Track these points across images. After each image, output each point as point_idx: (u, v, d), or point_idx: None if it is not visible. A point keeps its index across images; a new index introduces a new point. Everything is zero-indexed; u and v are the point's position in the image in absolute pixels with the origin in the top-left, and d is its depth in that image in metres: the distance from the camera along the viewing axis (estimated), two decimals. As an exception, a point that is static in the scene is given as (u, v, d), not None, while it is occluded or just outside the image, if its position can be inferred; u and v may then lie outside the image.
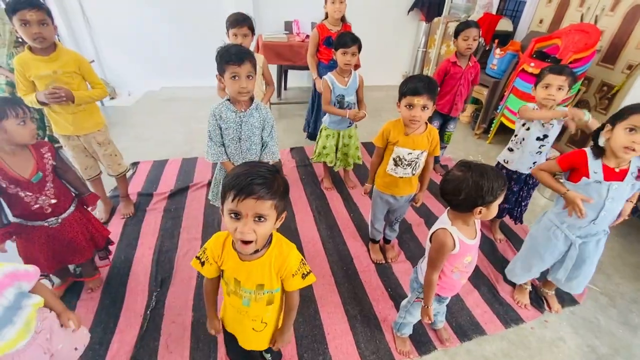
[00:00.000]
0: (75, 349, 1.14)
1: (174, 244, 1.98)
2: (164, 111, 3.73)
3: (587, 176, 1.28)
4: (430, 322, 1.24)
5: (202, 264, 0.96)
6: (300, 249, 1.99)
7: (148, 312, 1.59)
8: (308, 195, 2.46)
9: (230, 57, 1.30)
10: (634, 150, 1.14)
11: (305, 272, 0.95)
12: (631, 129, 1.14)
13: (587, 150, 1.31)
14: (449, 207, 1.12)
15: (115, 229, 2.03)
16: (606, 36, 2.77)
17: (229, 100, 1.45)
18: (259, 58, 2.08)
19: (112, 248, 1.84)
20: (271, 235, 0.91)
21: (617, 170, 1.24)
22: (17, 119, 1.18)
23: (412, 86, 1.37)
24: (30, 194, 1.27)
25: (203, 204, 2.30)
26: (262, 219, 0.78)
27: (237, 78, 1.33)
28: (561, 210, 1.42)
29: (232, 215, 0.77)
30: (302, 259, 0.96)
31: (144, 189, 2.42)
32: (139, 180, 2.52)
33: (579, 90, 2.85)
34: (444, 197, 1.09)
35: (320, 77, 2.37)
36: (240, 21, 1.94)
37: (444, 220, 1.11)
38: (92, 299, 1.64)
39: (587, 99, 2.97)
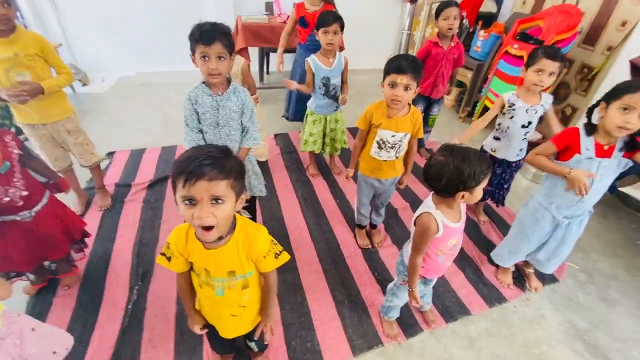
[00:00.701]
0: (54, 352, 1.08)
1: (154, 236, 1.91)
2: (139, 97, 3.57)
3: (579, 152, 1.28)
4: (418, 305, 1.24)
5: (169, 259, 0.92)
6: (286, 236, 1.96)
7: (129, 306, 1.54)
8: (294, 182, 2.41)
9: (201, 36, 1.22)
10: (627, 129, 1.14)
11: (278, 252, 0.92)
12: (625, 109, 1.13)
13: (580, 127, 1.31)
14: (432, 192, 1.10)
15: (92, 221, 1.94)
16: (587, 18, 2.78)
17: (204, 83, 1.37)
18: (239, 61, 1.97)
19: (89, 241, 1.76)
20: (235, 220, 0.87)
21: (605, 147, 1.25)
22: None
23: (396, 64, 1.33)
24: None
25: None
26: (220, 201, 0.74)
27: (206, 59, 1.25)
28: (549, 191, 1.43)
29: (187, 201, 0.73)
30: (271, 239, 0.93)
31: (121, 180, 2.32)
32: (116, 170, 2.41)
33: (560, 71, 2.87)
34: (427, 181, 1.07)
35: (301, 58, 2.32)
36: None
37: (428, 204, 1.10)
38: (69, 296, 1.57)
39: (567, 80, 3.00)
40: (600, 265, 1.92)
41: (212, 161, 0.72)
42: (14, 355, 0.93)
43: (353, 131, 3.05)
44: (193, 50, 1.27)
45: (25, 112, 1.62)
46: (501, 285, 1.75)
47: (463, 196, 1.00)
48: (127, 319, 1.49)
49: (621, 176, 2.01)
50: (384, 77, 1.39)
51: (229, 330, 1.04)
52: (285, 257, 0.93)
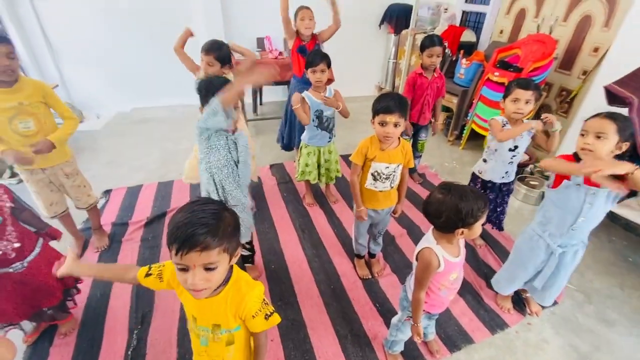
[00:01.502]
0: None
1: (153, 276, 1.89)
2: (135, 133, 3.62)
3: (568, 178, 1.32)
4: (419, 340, 1.24)
5: (147, 275, 0.90)
6: (286, 270, 1.96)
7: (129, 352, 1.51)
8: (291, 213, 2.44)
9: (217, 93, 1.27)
10: (590, 151, 1.23)
11: (268, 313, 0.88)
12: (582, 134, 1.26)
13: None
14: (432, 227, 1.14)
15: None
16: (561, 44, 2.96)
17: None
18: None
19: (86, 284, 1.74)
20: (231, 271, 0.86)
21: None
22: None
23: (385, 105, 1.40)
24: None
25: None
26: (213, 267, 0.74)
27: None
28: (543, 220, 1.48)
29: (179, 268, 0.73)
30: (263, 299, 0.89)
31: (118, 219, 2.32)
32: (112, 209, 2.41)
33: (540, 95, 3.01)
34: (426, 217, 1.11)
35: (296, 89, 2.42)
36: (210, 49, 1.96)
37: (429, 239, 1.13)
38: (66, 344, 1.53)
39: (548, 103, 3.14)
40: (596, 285, 1.95)
41: (205, 230, 0.71)
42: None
43: (346, 159, 3.12)
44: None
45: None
46: (501, 310, 1.76)
47: (462, 232, 1.04)
48: (127, 366, 1.45)
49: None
50: (374, 116, 1.46)
51: None
52: (275, 319, 0.90)
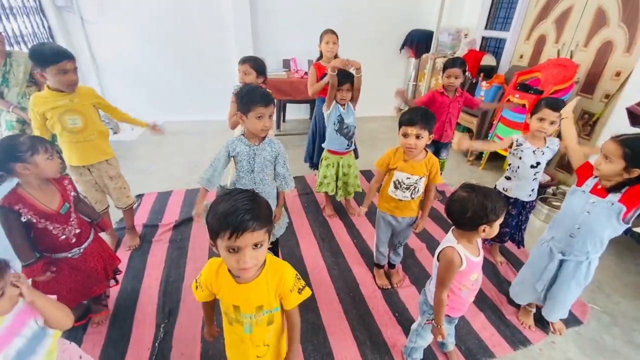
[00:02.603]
0: (92, 380, 1.13)
1: (180, 275, 1.98)
2: (166, 144, 3.84)
3: (581, 185, 1.40)
4: (443, 339, 1.26)
5: (197, 287, 1.01)
6: (306, 276, 2.01)
7: (156, 344, 1.58)
8: (311, 223, 2.51)
9: (262, 99, 1.41)
10: (598, 170, 1.32)
11: (301, 287, 0.99)
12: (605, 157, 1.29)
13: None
14: (453, 227, 1.19)
15: (121, 261, 2.04)
16: (582, 69, 3.01)
17: (243, 135, 1.54)
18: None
19: (120, 277, 1.85)
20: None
21: (599, 187, 1.34)
22: (46, 153, 1.25)
23: (408, 117, 1.49)
24: (59, 225, 1.32)
25: (208, 234, 2.33)
26: (259, 246, 0.84)
27: (261, 118, 1.43)
28: (551, 225, 1.53)
29: (231, 250, 0.82)
30: (296, 274, 1.00)
31: (149, 221, 2.45)
32: (143, 212, 2.56)
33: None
34: (450, 216, 1.16)
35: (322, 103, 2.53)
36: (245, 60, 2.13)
37: (449, 239, 1.18)
38: (98, 333, 1.62)
39: (570, 126, 3.15)
40: (623, 307, 1.89)
41: (251, 215, 0.80)
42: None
43: (366, 174, 3.20)
44: (247, 110, 1.42)
45: (73, 153, 1.82)
46: (522, 326, 1.74)
47: (484, 230, 1.09)
48: (154, 357, 1.52)
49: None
50: (399, 128, 1.55)
51: None
52: (307, 292, 1.00)
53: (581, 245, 1.42)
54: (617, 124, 2.49)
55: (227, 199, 0.85)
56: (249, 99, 1.41)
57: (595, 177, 1.37)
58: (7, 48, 2.61)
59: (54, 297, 0.99)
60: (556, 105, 1.69)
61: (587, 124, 2.99)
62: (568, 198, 1.45)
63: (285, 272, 0.97)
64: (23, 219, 1.23)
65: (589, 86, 2.99)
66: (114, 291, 1.83)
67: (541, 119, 1.72)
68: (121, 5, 3.82)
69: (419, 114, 1.49)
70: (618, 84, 2.73)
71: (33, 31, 3.48)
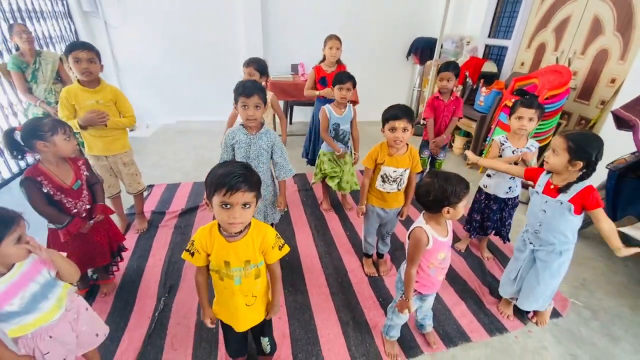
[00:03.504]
0: (97, 335, 1.27)
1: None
2: (177, 142, 4.06)
3: (533, 187, 1.53)
4: (409, 312, 1.37)
5: (192, 254, 1.12)
6: (298, 262, 2.14)
7: (156, 314, 1.73)
8: (308, 216, 2.64)
9: (244, 91, 1.58)
10: (547, 163, 1.45)
11: (281, 245, 1.15)
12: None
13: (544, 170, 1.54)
14: (424, 210, 1.30)
15: (129, 242, 2.21)
16: (579, 76, 3.08)
17: (242, 125, 1.71)
18: (269, 95, 2.39)
19: (125, 256, 2.01)
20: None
21: (551, 187, 1.45)
22: (65, 134, 1.42)
23: (393, 112, 1.61)
24: (71, 199, 1.49)
25: (210, 221, 2.49)
26: (247, 206, 1.00)
27: (246, 107, 1.60)
28: (526, 220, 1.63)
29: (223, 205, 0.97)
30: (276, 234, 1.15)
31: (157, 208, 2.63)
32: (153, 200, 2.74)
33: (559, 123, 3.10)
34: (418, 199, 1.28)
35: (319, 106, 2.68)
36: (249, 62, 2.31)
37: (419, 220, 1.29)
38: (105, 302, 1.79)
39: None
40: (605, 304, 1.94)
41: (244, 178, 0.96)
42: (72, 326, 1.14)
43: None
44: (236, 101, 1.62)
45: (94, 145, 2.02)
46: (502, 316, 1.81)
47: (448, 211, 1.20)
48: (153, 325, 1.67)
49: (617, 215, 2.13)
50: (383, 124, 1.67)
51: (244, 321, 1.21)
52: (286, 249, 1.16)
53: (546, 239, 1.53)
54: (612, 129, 2.52)
55: (226, 165, 1.03)
56: (236, 91, 1.60)
57: (548, 173, 1.47)
58: (37, 48, 2.87)
59: (65, 254, 1.15)
60: (530, 103, 1.80)
61: (584, 129, 3.03)
62: (531, 198, 1.57)
63: (268, 232, 1.12)
64: (44, 190, 1.40)
65: (586, 93, 3.05)
66: (122, 267, 2.00)
67: (519, 118, 1.82)
68: (143, 11, 4.10)
69: (402, 109, 1.62)
70: (613, 91, 2.79)
71: (61, 34, 3.78)
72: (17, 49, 2.78)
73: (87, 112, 1.86)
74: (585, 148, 1.30)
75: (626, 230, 2.07)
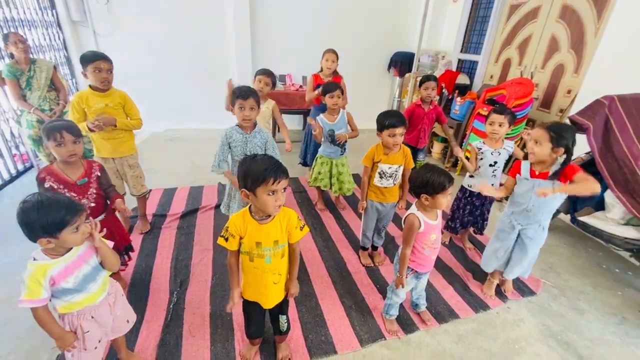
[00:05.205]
0: (127, 321, 1.37)
1: (188, 254, 2.24)
2: (169, 149, 4.12)
3: (519, 173, 1.75)
4: (402, 287, 1.57)
5: (226, 239, 1.27)
6: (300, 256, 2.28)
7: (171, 306, 1.82)
8: (304, 215, 2.81)
9: (240, 94, 1.80)
10: (533, 154, 1.66)
11: (302, 225, 1.31)
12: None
13: (522, 161, 1.79)
14: (416, 200, 1.51)
15: (134, 243, 2.26)
16: (541, 88, 3.47)
17: (237, 125, 1.90)
18: (270, 103, 2.57)
19: (133, 256, 2.08)
20: None
21: (537, 172, 1.70)
22: (55, 142, 1.44)
23: (393, 121, 1.83)
24: (75, 195, 1.53)
25: (212, 222, 2.61)
26: (284, 190, 1.18)
27: (243, 109, 1.82)
28: (510, 203, 1.87)
29: (270, 193, 1.13)
30: (297, 216, 1.31)
31: (157, 211, 2.71)
32: (152, 204, 2.81)
33: (514, 119, 3.45)
34: (409, 184, 1.52)
35: (315, 114, 2.89)
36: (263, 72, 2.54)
37: (412, 208, 1.51)
38: (119, 298, 1.86)
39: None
40: (571, 283, 2.23)
41: (282, 168, 1.15)
42: (110, 309, 1.24)
43: (357, 178, 3.52)
44: (233, 104, 1.83)
45: (103, 148, 2.10)
46: (484, 296, 2.05)
47: (426, 199, 1.41)
48: (170, 316, 1.76)
49: (577, 207, 2.44)
50: (382, 130, 1.88)
51: (271, 298, 1.36)
52: (306, 229, 1.32)
53: (538, 217, 1.76)
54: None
55: (256, 161, 1.17)
56: (234, 94, 1.82)
57: (530, 163, 1.73)
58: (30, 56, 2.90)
59: (112, 243, 1.25)
60: (501, 110, 2.09)
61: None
62: (518, 185, 1.79)
63: (292, 214, 1.30)
64: (46, 185, 1.47)
65: (547, 102, 3.45)
66: (130, 266, 2.08)
67: (491, 123, 2.10)
68: (132, 22, 4.18)
69: (401, 119, 1.84)
70: (569, 100, 3.18)
71: (50, 43, 3.79)
72: (12, 57, 2.80)
73: (97, 115, 1.96)
74: (564, 135, 1.54)
75: (585, 219, 2.39)
